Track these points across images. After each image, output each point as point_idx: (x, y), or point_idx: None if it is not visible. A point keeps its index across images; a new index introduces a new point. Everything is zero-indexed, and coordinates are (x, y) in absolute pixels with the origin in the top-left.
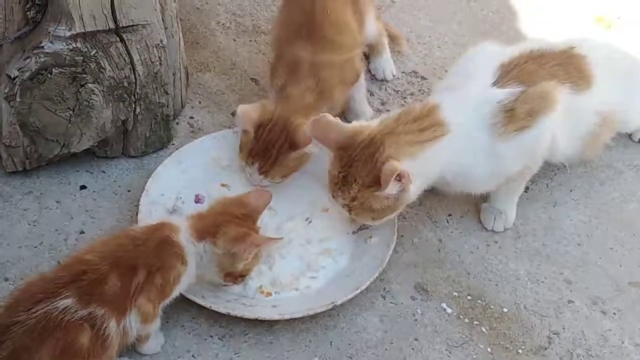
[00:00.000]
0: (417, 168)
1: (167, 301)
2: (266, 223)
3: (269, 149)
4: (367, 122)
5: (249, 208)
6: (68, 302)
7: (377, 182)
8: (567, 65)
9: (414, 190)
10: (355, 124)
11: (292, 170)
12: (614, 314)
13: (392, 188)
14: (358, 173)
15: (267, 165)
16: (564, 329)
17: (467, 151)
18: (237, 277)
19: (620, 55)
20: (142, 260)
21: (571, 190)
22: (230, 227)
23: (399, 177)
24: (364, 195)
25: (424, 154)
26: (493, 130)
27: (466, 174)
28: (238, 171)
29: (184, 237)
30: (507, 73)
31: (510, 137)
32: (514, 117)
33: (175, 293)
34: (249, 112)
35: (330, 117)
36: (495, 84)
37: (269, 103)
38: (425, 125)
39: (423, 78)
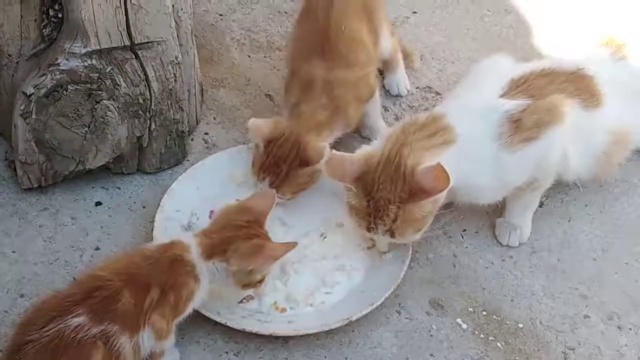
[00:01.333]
0: None
1: (181, 318)
2: (281, 239)
3: (280, 165)
4: (369, 146)
5: (253, 213)
6: (81, 319)
7: (413, 194)
8: (576, 83)
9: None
10: (362, 151)
11: (303, 187)
12: (630, 329)
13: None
14: (390, 193)
15: (278, 180)
16: (579, 344)
17: (472, 158)
18: (256, 284)
19: (631, 74)
20: (155, 279)
21: (586, 205)
22: (240, 244)
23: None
24: (405, 211)
25: (439, 157)
26: (499, 139)
27: (471, 183)
28: (253, 187)
29: (195, 255)
30: (517, 87)
31: (517, 147)
32: (521, 128)
33: (188, 310)
34: (260, 126)
35: (338, 153)
36: (504, 95)
37: (282, 119)
38: (433, 131)
39: (437, 93)
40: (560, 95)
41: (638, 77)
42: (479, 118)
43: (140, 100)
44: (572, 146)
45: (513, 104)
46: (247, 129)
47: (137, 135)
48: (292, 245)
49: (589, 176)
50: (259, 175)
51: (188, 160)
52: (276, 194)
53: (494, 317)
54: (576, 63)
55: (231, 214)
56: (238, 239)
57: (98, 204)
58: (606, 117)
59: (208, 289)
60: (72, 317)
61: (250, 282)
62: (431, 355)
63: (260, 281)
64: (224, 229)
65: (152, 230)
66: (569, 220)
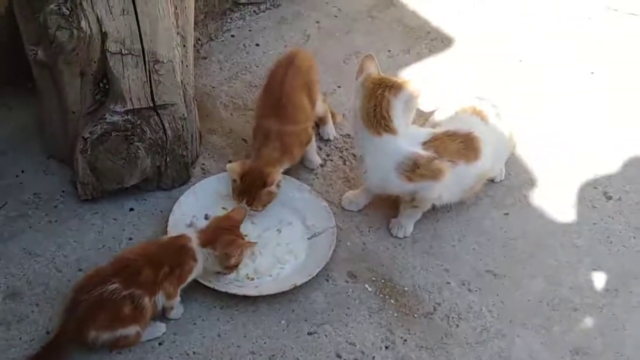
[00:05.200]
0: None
1: (184, 285)
2: (251, 232)
3: (251, 189)
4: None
5: (233, 221)
6: (116, 286)
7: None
8: (467, 143)
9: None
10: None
11: (267, 202)
12: (476, 291)
13: None
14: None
15: (251, 199)
16: (443, 301)
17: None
18: (232, 267)
19: (491, 132)
20: (166, 259)
21: (448, 211)
22: (224, 237)
23: None
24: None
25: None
26: (399, 166)
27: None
28: (233, 200)
29: (195, 244)
30: (433, 140)
31: (403, 178)
32: (414, 171)
33: (189, 280)
34: (234, 167)
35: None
36: (424, 143)
37: (246, 160)
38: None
39: (353, 138)
40: (447, 165)
41: (494, 133)
42: (403, 145)
43: (160, 142)
44: (448, 189)
45: (420, 153)
46: (227, 170)
47: (157, 165)
48: (252, 243)
49: (456, 201)
50: (239, 199)
51: (191, 181)
52: (251, 208)
53: (389, 283)
54: (469, 128)
55: (220, 220)
56: (223, 235)
57: (131, 209)
58: (479, 166)
59: (202, 267)
60: (109, 284)
61: (228, 265)
62: (348, 308)
63: (235, 266)
64: (215, 229)
65: (166, 226)
66: (438, 221)
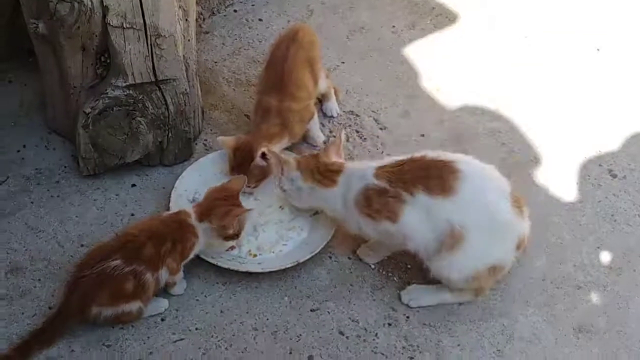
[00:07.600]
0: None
1: (187, 260)
2: (254, 209)
3: (243, 164)
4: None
5: (230, 191)
6: (118, 262)
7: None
8: (430, 171)
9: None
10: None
11: (260, 177)
12: None
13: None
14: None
15: (243, 174)
16: None
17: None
18: (233, 237)
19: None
20: (168, 235)
21: None
22: (218, 209)
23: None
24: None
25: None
26: (356, 201)
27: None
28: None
29: (194, 219)
30: (381, 169)
31: (361, 215)
32: (370, 205)
33: (191, 255)
34: (226, 141)
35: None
36: (375, 177)
37: (242, 135)
38: (327, 176)
39: (357, 115)
40: (402, 205)
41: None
42: (354, 181)
43: (162, 118)
44: (417, 227)
45: (374, 183)
46: (217, 143)
47: (159, 140)
48: (248, 210)
49: (432, 254)
50: (232, 172)
51: (193, 157)
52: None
53: (392, 260)
54: (449, 157)
55: (215, 192)
56: (217, 207)
57: (133, 185)
58: (448, 207)
59: (204, 242)
60: (112, 260)
61: (227, 235)
62: (351, 285)
63: (237, 235)
64: (210, 202)
65: (168, 202)
66: None
